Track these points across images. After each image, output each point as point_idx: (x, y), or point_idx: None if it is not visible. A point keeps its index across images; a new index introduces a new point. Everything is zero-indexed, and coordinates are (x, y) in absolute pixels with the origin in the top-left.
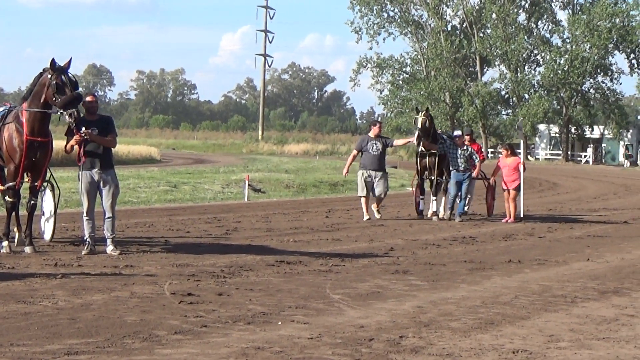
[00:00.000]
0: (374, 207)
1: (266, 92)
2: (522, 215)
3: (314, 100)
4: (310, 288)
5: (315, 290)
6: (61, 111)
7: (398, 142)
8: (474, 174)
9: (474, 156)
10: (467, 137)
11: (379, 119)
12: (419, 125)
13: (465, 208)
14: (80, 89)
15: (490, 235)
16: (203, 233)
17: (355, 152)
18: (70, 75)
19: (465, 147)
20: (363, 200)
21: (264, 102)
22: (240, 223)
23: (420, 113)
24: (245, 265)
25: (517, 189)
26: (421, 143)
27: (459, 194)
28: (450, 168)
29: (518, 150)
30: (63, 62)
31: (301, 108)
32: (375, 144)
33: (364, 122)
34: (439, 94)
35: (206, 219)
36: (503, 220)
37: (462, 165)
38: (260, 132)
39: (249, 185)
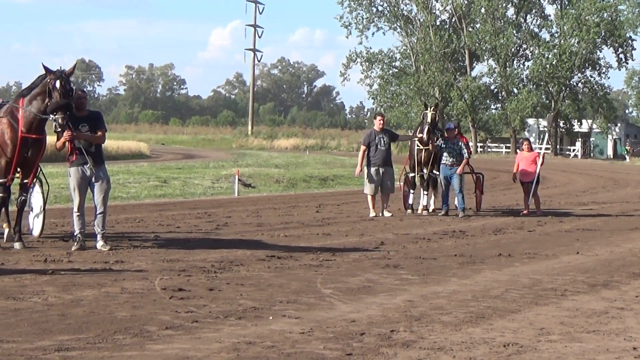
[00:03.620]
0: (385, 207)
1: (255, 87)
2: (527, 209)
3: (304, 95)
4: (301, 283)
5: (306, 285)
6: (52, 116)
7: (403, 138)
8: (458, 170)
9: (462, 151)
10: (455, 130)
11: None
12: (429, 120)
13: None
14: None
15: (480, 229)
16: (193, 228)
17: (363, 147)
18: (70, 82)
19: (455, 141)
20: (370, 198)
21: (254, 97)
22: (231, 218)
23: (429, 108)
24: (236, 260)
25: (535, 181)
26: (424, 138)
27: (455, 188)
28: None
29: (540, 146)
30: (68, 65)
31: (290, 103)
32: (383, 138)
33: (354, 116)
34: (429, 89)
35: (196, 214)
36: (522, 213)
37: (450, 160)
38: (249, 127)
39: (239, 180)
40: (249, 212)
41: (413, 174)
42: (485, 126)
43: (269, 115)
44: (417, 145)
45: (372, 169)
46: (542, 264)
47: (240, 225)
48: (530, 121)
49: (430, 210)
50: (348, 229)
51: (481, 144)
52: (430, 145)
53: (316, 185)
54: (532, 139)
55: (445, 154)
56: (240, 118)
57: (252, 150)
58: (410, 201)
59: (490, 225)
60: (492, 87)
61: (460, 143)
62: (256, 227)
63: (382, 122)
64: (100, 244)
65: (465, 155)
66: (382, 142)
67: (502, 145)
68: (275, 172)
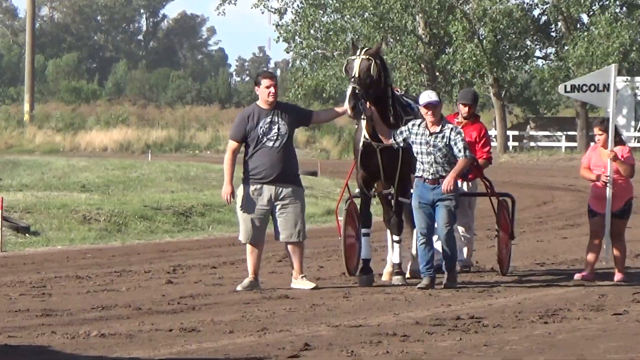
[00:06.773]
0: (295, 270)
1: (39, 23)
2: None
3: (140, 37)
4: None
5: None
6: None
7: (324, 114)
8: (464, 186)
9: (459, 145)
10: (464, 109)
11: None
12: (356, 73)
13: (464, 257)
14: None
15: (510, 312)
16: None
17: (234, 144)
18: None
19: (443, 128)
20: (250, 248)
21: (33, 43)
22: None
23: (358, 51)
24: None
25: (624, 213)
26: (363, 120)
27: (438, 223)
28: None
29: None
30: None
31: (113, 53)
32: (276, 123)
33: (246, 79)
34: (402, 18)
35: None
36: (576, 276)
37: (432, 169)
38: (26, 106)
39: (3, 219)
40: (24, 286)
41: (366, 195)
42: (522, 95)
43: (69, 79)
44: (365, 138)
45: (251, 188)
46: None
47: (7, 314)
48: (619, 83)
49: (408, 274)
50: (234, 317)
51: (515, 133)
52: (382, 136)
53: (168, 227)
54: (620, 121)
55: (421, 154)
56: (8, 87)
57: (33, 154)
58: (365, 255)
59: (533, 303)
60: (537, 14)
61: (455, 134)
62: (40, 317)
63: (272, 90)
64: None
65: (463, 155)
66: (273, 131)
67: (558, 134)
68: (83, 199)
